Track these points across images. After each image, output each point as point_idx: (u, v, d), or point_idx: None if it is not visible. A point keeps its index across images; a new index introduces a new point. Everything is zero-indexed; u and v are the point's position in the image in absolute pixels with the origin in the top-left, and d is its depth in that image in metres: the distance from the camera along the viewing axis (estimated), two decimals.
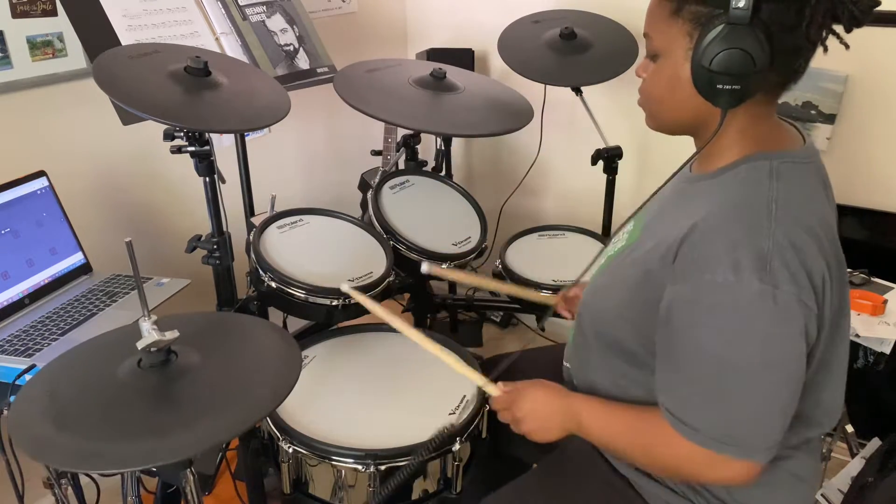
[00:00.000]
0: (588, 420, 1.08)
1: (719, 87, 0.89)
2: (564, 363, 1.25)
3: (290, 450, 1.29)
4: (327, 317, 1.53)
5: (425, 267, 1.46)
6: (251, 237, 1.56)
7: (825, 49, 0.92)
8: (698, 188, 1.00)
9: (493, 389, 1.19)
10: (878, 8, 1.88)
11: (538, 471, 1.24)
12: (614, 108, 2.17)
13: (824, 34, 0.91)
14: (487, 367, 1.49)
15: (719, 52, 0.87)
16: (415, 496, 1.33)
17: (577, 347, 1.20)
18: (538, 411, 1.11)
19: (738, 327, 0.89)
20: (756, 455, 0.92)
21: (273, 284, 1.49)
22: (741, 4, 0.85)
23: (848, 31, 0.92)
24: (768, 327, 0.88)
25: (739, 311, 0.88)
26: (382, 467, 1.25)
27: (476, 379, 1.24)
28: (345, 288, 1.41)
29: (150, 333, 1.02)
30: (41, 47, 1.76)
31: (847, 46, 0.93)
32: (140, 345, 1.02)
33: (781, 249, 0.87)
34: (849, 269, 1.73)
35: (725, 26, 0.87)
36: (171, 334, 1.03)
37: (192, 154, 1.43)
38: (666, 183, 1.05)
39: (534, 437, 1.12)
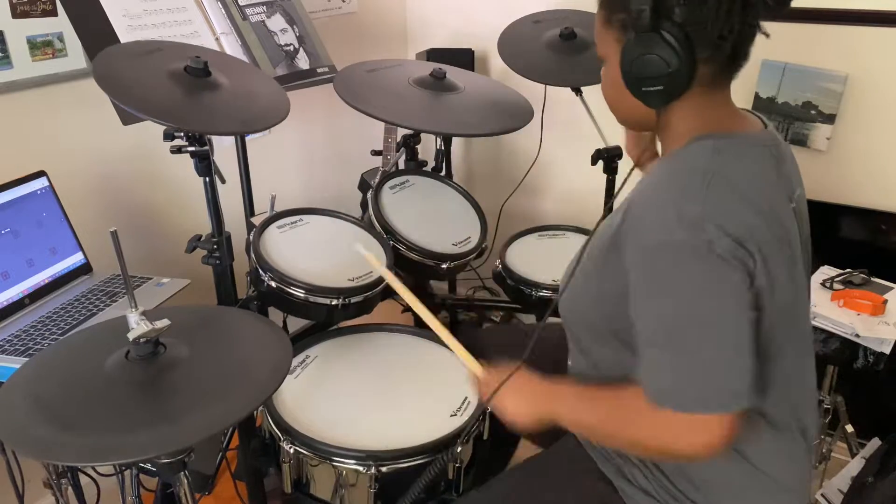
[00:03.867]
0: (565, 400, 1.08)
1: (644, 89, 0.95)
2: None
3: (292, 450, 1.29)
4: (327, 317, 1.53)
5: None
6: (251, 237, 1.56)
7: (766, 34, 0.95)
8: (648, 171, 1.06)
9: (478, 369, 1.20)
10: (878, 8, 1.88)
11: (521, 470, 1.24)
12: None
13: (743, 25, 0.92)
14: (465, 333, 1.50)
15: (634, 58, 0.93)
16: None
17: (579, 356, 1.19)
18: (515, 388, 1.12)
19: (682, 283, 0.91)
20: (729, 405, 0.91)
21: (273, 284, 1.49)
22: (639, 14, 0.90)
23: (769, 18, 0.94)
24: (710, 278, 0.90)
25: (680, 268, 0.90)
26: (383, 468, 1.25)
27: (467, 361, 1.23)
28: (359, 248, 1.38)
29: (139, 325, 1.01)
30: (41, 47, 1.76)
31: (767, 35, 0.95)
32: (131, 336, 1.01)
33: (714, 214, 0.90)
34: (849, 269, 1.76)
35: (634, 33, 0.92)
36: (161, 323, 1.02)
37: (192, 154, 1.43)
38: (625, 180, 1.08)
39: (508, 417, 1.11)
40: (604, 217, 1.11)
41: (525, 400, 1.11)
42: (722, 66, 0.96)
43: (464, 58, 2.54)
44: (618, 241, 0.98)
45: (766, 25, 0.96)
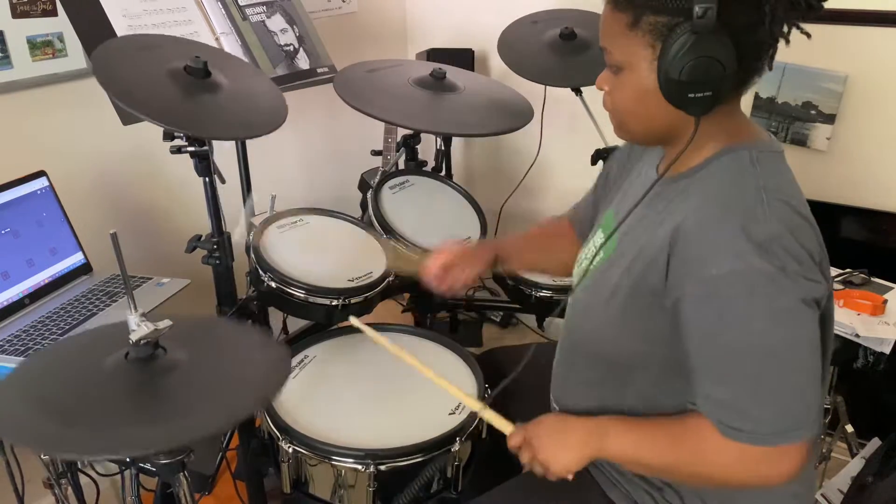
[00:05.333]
0: (617, 436, 1.00)
1: (691, 95, 0.88)
2: (553, 405, 1.20)
3: (290, 449, 1.29)
4: (327, 317, 1.53)
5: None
6: (251, 237, 1.56)
7: (787, 42, 0.91)
8: (675, 188, 0.98)
9: (507, 427, 1.09)
10: (878, 8, 1.88)
11: (519, 484, 1.20)
12: None
13: (786, 27, 0.90)
14: (484, 362, 1.48)
15: (687, 63, 0.86)
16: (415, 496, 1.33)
17: (566, 378, 1.16)
18: (554, 434, 1.03)
19: (758, 313, 0.87)
20: (808, 433, 0.90)
21: (273, 284, 1.49)
22: (704, 12, 0.83)
23: (807, 19, 0.90)
24: (786, 305, 0.86)
25: (755, 297, 0.86)
26: (382, 467, 1.25)
27: (497, 422, 1.12)
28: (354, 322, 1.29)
29: (139, 326, 1.01)
30: (41, 47, 1.76)
31: (808, 36, 0.92)
32: (133, 337, 1.01)
33: (779, 234, 0.87)
34: (849, 269, 1.75)
35: (690, 35, 0.85)
36: (162, 324, 1.02)
37: (192, 154, 1.43)
38: (645, 196, 1.00)
39: (553, 467, 1.01)
40: (607, 239, 1.05)
41: (569, 443, 1.02)
42: (753, 72, 0.93)
43: (464, 58, 2.54)
44: (663, 263, 0.92)
45: None
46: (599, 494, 1.12)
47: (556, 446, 1.02)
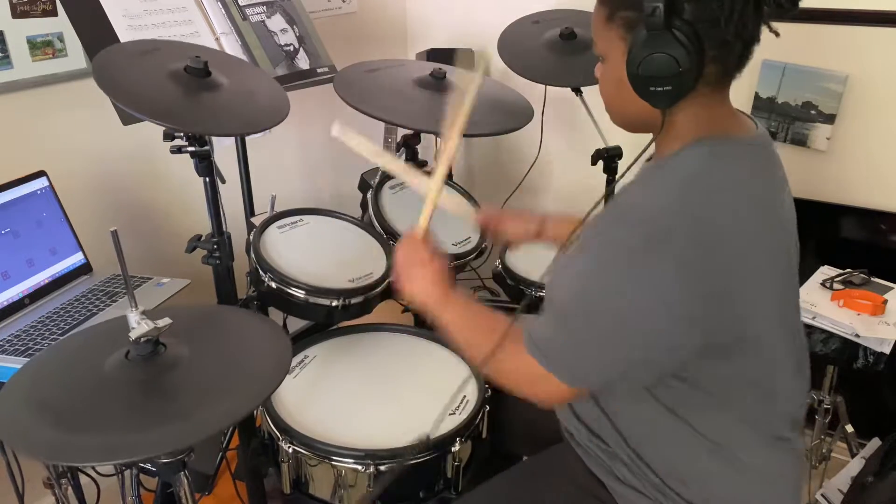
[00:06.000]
0: (453, 311, 1.13)
1: (652, 89, 0.92)
2: None
3: (290, 450, 1.29)
4: (327, 317, 1.53)
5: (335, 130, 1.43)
6: (251, 237, 1.56)
7: (758, 40, 0.94)
8: (640, 174, 1.04)
9: (421, 227, 1.25)
10: (878, 8, 1.87)
11: (514, 473, 1.24)
12: None
13: (754, 24, 0.91)
14: None
15: (644, 57, 0.90)
16: (415, 496, 1.33)
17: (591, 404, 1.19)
18: (423, 276, 1.18)
19: (619, 262, 0.92)
20: (586, 384, 1.00)
21: (273, 284, 1.49)
22: (654, 10, 0.87)
23: (778, 18, 0.92)
24: (648, 269, 0.90)
25: (616, 253, 0.92)
26: (382, 467, 1.25)
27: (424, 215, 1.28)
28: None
29: (140, 324, 1.01)
30: (41, 47, 1.76)
31: (777, 34, 0.94)
32: (133, 335, 1.01)
33: (682, 218, 0.90)
34: (849, 269, 1.76)
35: (645, 32, 0.89)
36: (162, 322, 1.02)
37: (192, 154, 1.43)
38: (619, 178, 1.10)
39: (402, 287, 1.19)
40: (581, 223, 1.10)
41: (424, 286, 1.17)
42: (728, 67, 0.95)
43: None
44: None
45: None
46: (584, 470, 1.16)
47: (416, 280, 1.19)
